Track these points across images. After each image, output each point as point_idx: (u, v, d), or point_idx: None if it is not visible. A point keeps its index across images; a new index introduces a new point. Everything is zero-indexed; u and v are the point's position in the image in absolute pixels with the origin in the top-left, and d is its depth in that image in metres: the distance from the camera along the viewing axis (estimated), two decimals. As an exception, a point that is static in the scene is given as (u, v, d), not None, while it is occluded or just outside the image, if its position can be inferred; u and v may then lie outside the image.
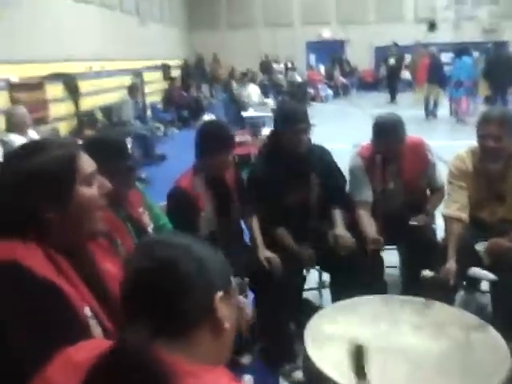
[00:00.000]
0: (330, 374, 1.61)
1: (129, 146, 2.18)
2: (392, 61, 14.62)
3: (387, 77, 14.98)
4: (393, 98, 14.54)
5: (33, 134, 4.62)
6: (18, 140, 4.13)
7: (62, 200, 1.12)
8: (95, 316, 1.09)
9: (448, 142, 6.76)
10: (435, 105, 11.65)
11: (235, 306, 0.93)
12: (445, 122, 11.01)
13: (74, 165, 1.14)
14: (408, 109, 12.90)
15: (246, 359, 2.58)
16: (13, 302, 0.99)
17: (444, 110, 11.62)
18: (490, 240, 2.48)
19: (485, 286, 2.85)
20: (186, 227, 2.25)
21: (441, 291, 2.29)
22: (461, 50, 11.53)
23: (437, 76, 11.49)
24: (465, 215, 2.54)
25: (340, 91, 17.14)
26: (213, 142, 2.42)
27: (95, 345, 0.88)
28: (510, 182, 2.55)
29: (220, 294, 0.85)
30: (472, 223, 2.59)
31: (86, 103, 8.19)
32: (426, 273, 2.27)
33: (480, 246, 2.45)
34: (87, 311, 1.08)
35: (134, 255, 0.89)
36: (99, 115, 8.42)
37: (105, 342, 0.87)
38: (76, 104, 7.86)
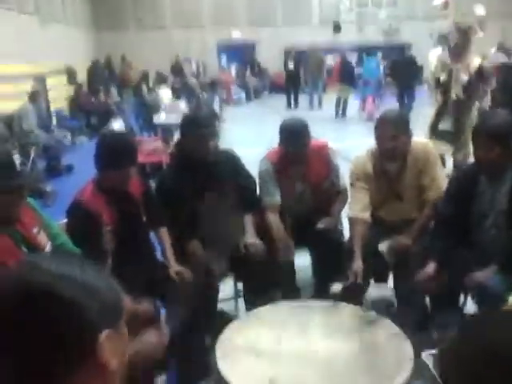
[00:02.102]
0: (237, 384, 1.59)
1: (18, 161, 2.04)
2: (291, 65, 14.58)
3: (286, 81, 14.74)
4: (289, 104, 14.31)
5: None
6: None
7: None
8: None
9: (358, 141, 6.98)
10: (345, 104, 12.11)
11: (125, 338, 0.83)
12: (355, 121, 11.46)
13: None
14: (318, 110, 13.33)
15: (161, 378, 2.50)
16: None
17: (353, 109, 12.10)
18: (390, 240, 2.60)
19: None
20: (87, 245, 2.14)
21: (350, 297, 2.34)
22: (367, 50, 12.19)
23: (347, 76, 12.03)
24: (367, 215, 2.65)
25: (252, 94, 17.30)
26: (112, 155, 2.29)
27: None
28: (406, 181, 2.69)
29: (105, 333, 0.75)
30: (375, 222, 2.70)
31: (-17, 112, 7.63)
32: (335, 287, 2.29)
33: (382, 246, 2.56)
34: None
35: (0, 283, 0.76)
36: (-2, 125, 7.85)
37: None
38: (-29, 114, 7.30)
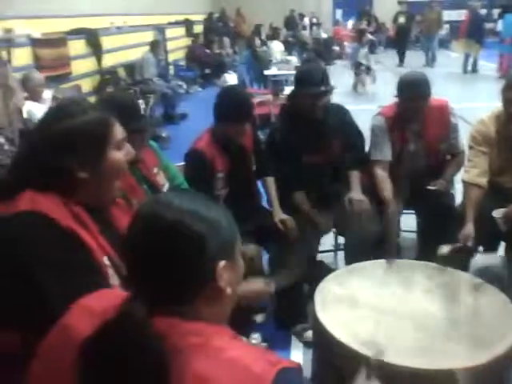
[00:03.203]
0: (335, 333, 1.63)
1: (141, 106, 2.19)
2: (402, 19, 13.63)
3: (396, 37, 13.92)
4: (401, 60, 13.43)
5: (47, 95, 4.51)
6: (36, 108, 4.00)
7: (95, 162, 1.18)
8: (113, 266, 1.15)
9: (481, 103, 6.37)
10: (475, 61, 11.32)
11: (240, 269, 0.91)
12: (481, 81, 10.58)
13: (109, 129, 1.21)
14: (433, 67, 12.53)
15: (259, 317, 2.64)
16: (40, 248, 1.05)
17: (482, 67, 11.24)
18: (509, 206, 2.44)
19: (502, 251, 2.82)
20: (201, 188, 2.26)
21: (457, 260, 2.27)
22: (502, 6, 11.22)
23: (476, 32, 11.17)
24: (484, 181, 2.50)
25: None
26: (230, 110, 2.38)
27: (111, 295, 0.93)
28: (533, 147, 2.49)
29: (223, 262, 0.83)
30: (492, 189, 2.54)
31: (108, 60, 8.12)
32: (443, 249, 2.23)
33: (497, 213, 2.42)
34: (106, 261, 1.14)
35: (137, 217, 0.85)
36: (121, 72, 8.38)
37: (120, 293, 0.90)
38: (98, 61, 7.81)
